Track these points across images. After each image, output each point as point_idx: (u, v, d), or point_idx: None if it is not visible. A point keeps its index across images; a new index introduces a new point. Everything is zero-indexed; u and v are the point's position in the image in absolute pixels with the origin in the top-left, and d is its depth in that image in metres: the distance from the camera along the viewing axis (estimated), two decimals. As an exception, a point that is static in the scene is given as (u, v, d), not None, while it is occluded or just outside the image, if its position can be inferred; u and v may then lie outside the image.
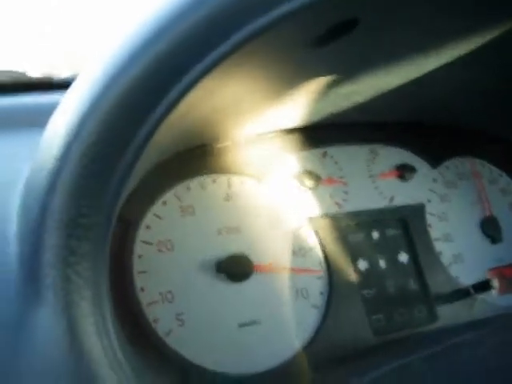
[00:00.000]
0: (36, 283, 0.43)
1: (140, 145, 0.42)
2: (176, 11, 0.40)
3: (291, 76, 0.62)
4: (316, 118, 0.80)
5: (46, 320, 0.42)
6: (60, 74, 0.91)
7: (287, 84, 0.64)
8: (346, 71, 0.66)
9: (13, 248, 0.46)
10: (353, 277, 0.75)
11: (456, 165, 0.91)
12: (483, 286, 0.77)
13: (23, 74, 0.91)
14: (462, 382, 0.56)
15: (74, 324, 0.42)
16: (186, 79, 0.40)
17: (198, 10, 0.39)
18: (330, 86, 0.69)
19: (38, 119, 0.63)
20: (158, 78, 0.40)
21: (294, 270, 0.72)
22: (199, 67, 0.40)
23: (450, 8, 0.55)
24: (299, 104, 0.72)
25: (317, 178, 0.78)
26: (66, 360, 0.41)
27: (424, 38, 0.61)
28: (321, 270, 0.74)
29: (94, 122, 0.41)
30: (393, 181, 0.85)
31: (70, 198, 0.41)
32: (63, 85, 0.86)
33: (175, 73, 0.40)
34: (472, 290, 0.78)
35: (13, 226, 0.48)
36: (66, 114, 0.44)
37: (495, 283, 0.76)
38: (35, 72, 0.91)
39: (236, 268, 0.68)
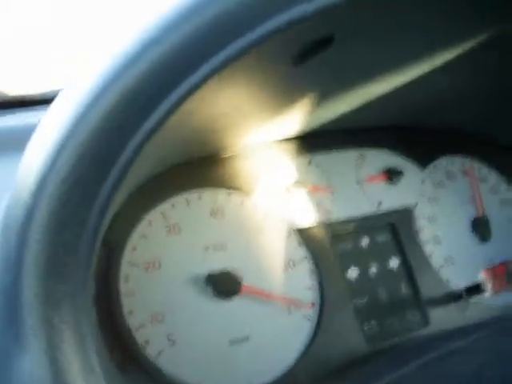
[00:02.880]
0: (17, 325, 0.42)
1: (125, 165, 0.41)
2: (165, 25, 0.39)
3: (276, 90, 0.62)
4: (302, 128, 0.79)
5: (29, 363, 0.41)
6: (35, 91, 0.90)
7: (272, 97, 0.64)
8: (328, 85, 0.65)
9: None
10: (344, 286, 0.75)
11: (444, 164, 0.91)
12: (475, 289, 0.77)
13: (2, 93, 0.89)
14: None
15: (58, 368, 0.41)
16: (174, 94, 0.39)
17: (188, 25, 0.38)
18: (315, 99, 0.68)
19: (16, 140, 0.62)
20: (141, 99, 0.39)
21: (284, 299, 0.72)
22: (183, 87, 0.39)
23: (435, 11, 0.55)
24: (285, 116, 0.72)
25: (302, 187, 0.78)
26: None
27: (402, 48, 0.60)
28: (309, 305, 0.73)
29: (70, 150, 0.39)
30: (380, 185, 0.84)
31: (46, 236, 0.40)
32: (38, 102, 0.85)
33: (158, 96, 0.39)
34: (464, 294, 0.77)
35: None
36: (42, 142, 0.42)
37: (487, 285, 0.76)
38: (11, 90, 0.90)
39: (224, 285, 0.67)
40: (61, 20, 1.02)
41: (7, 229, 0.44)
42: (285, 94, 0.64)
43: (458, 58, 0.67)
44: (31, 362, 0.41)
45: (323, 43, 0.50)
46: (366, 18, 0.50)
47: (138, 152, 0.41)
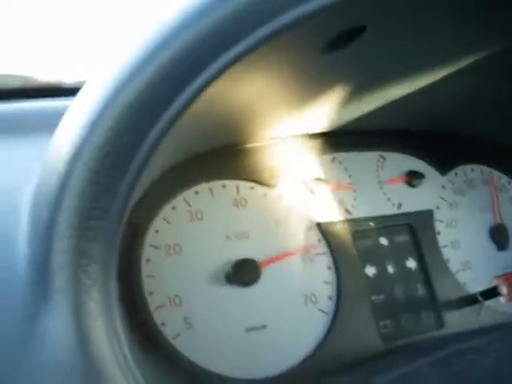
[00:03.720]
0: (45, 286, 0.43)
1: (151, 147, 0.42)
2: (200, 6, 0.40)
3: (303, 81, 0.63)
4: (327, 125, 0.80)
5: (55, 322, 0.42)
6: (69, 79, 0.92)
7: (299, 89, 0.65)
8: (355, 79, 0.66)
9: (22, 252, 0.46)
10: (361, 282, 0.75)
11: (465, 172, 0.91)
12: (491, 293, 0.77)
13: (32, 79, 0.91)
14: None
15: (84, 326, 0.42)
16: (202, 76, 0.40)
17: (221, 8, 0.39)
18: (341, 95, 0.69)
19: (47, 124, 0.63)
20: (170, 80, 0.40)
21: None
22: (217, 64, 0.40)
23: (460, 15, 0.56)
24: (311, 111, 0.73)
25: (326, 183, 0.79)
26: (75, 362, 0.41)
27: (431, 47, 0.61)
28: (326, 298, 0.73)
29: (104, 124, 0.41)
30: (401, 187, 0.85)
31: (80, 201, 0.41)
32: (72, 90, 0.87)
33: (190, 71, 0.40)
34: (480, 297, 0.78)
35: (22, 230, 0.48)
36: (76, 117, 0.44)
37: (503, 290, 0.76)
38: (44, 77, 0.91)
39: (244, 273, 0.68)
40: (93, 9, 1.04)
41: (40, 195, 0.46)
42: (311, 87, 0.65)
43: (484, 63, 0.67)
44: (57, 320, 0.42)
45: (353, 33, 0.51)
46: (398, 10, 0.51)
47: (170, 127, 0.42)
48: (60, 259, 0.42)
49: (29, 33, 1.04)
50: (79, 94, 0.48)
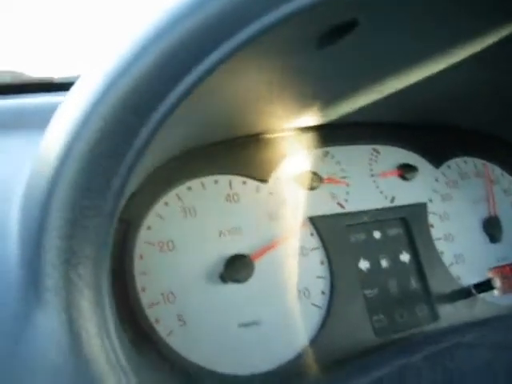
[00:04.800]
0: (37, 285, 0.43)
1: (143, 145, 0.42)
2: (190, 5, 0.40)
3: (298, 76, 0.62)
4: (319, 119, 0.80)
5: (47, 322, 0.42)
6: (60, 75, 0.91)
7: (293, 84, 0.64)
8: (349, 72, 0.66)
9: (13, 250, 0.46)
10: (355, 276, 0.75)
11: (458, 164, 0.92)
12: (485, 286, 0.77)
13: (23, 75, 0.91)
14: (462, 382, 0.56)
15: (75, 326, 0.42)
16: (197, 70, 0.40)
17: (212, 4, 0.39)
18: (335, 88, 0.69)
19: (38, 120, 0.63)
20: (167, 70, 0.40)
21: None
22: (211, 58, 0.40)
23: (450, 10, 0.55)
24: (304, 105, 0.72)
25: (318, 178, 0.79)
26: (67, 361, 0.41)
27: (425, 40, 0.61)
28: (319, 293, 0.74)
29: (96, 120, 0.41)
30: (394, 180, 0.85)
31: (71, 199, 0.41)
32: (64, 85, 0.86)
33: (187, 63, 0.40)
34: (474, 290, 0.78)
35: (13, 228, 0.48)
36: (68, 112, 0.44)
37: (497, 283, 0.76)
38: (35, 73, 0.91)
39: (237, 269, 0.68)
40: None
41: (31, 193, 0.45)
42: (306, 81, 0.65)
43: (479, 55, 0.67)
44: (49, 320, 0.42)
45: (346, 27, 0.51)
46: (391, 4, 0.51)
47: (161, 124, 0.42)
48: (51, 258, 0.42)
49: (20, 29, 1.03)
50: (70, 90, 0.48)
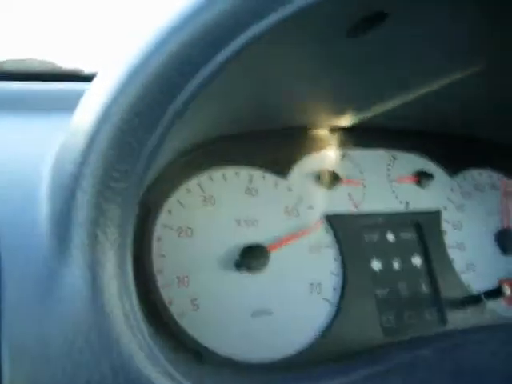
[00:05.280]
0: (64, 242, 0.44)
1: (177, 113, 0.43)
2: None
3: (328, 68, 0.64)
4: (342, 121, 0.82)
5: (72, 277, 0.44)
6: (87, 68, 0.94)
7: (322, 77, 0.66)
8: (376, 71, 0.67)
9: (43, 209, 0.48)
10: (366, 276, 0.76)
11: (473, 176, 0.93)
12: (494, 293, 0.78)
13: (55, 65, 0.93)
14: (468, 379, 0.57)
15: (98, 282, 0.43)
16: (233, 45, 0.42)
17: None
18: (361, 88, 0.71)
19: (67, 104, 0.65)
20: (202, 45, 0.42)
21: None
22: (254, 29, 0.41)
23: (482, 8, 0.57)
24: (331, 103, 0.74)
25: (336, 177, 0.80)
26: (88, 315, 0.43)
27: (450, 40, 0.62)
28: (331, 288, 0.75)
29: (132, 88, 0.42)
30: (410, 186, 0.86)
31: (104, 161, 0.43)
32: (92, 78, 0.89)
33: (224, 36, 0.41)
34: (483, 297, 0.78)
35: (44, 188, 0.50)
36: (106, 80, 0.46)
37: (507, 290, 0.77)
38: (66, 64, 0.93)
39: (252, 257, 0.69)
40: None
41: (65, 155, 0.47)
42: (335, 75, 0.66)
43: (505, 64, 0.69)
44: (74, 275, 0.43)
45: (375, 19, 0.52)
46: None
47: (197, 94, 0.43)
48: (80, 217, 0.43)
49: (54, 22, 1.06)
50: (109, 61, 0.49)
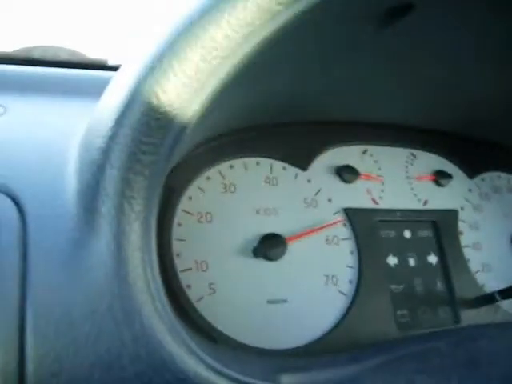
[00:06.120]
0: (91, 212, 0.45)
1: (206, 100, 0.45)
2: None
3: (353, 60, 0.64)
4: (362, 115, 0.82)
5: (98, 246, 0.45)
6: (111, 59, 0.95)
7: (347, 69, 0.66)
8: (402, 65, 0.68)
9: (72, 179, 0.49)
10: (382, 270, 0.77)
11: (492, 178, 0.93)
12: (509, 293, 0.78)
13: (81, 54, 0.95)
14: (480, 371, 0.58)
15: (122, 253, 0.44)
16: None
17: None
18: (385, 82, 0.71)
19: (93, 90, 0.67)
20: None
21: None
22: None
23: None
24: (354, 96, 0.75)
25: (355, 172, 0.81)
26: (112, 283, 0.44)
27: (477, 37, 0.63)
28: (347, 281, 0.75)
29: (165, 64, 0.44)
30: (428, 185, 0.87)
31: (133, 135, 0.44)
32: (116, 68, 0.90)
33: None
34: (498, 296, 0.79)
35: (73, 159, 0.51)
36: (135, 61, 0.47)
37: (521, 290, 0.77)
38: (90, 53, 0.95)
39: (271, 246, 0.70)
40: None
41: (94, 129, 0.48)
42: (360, 69, 0.67)
43: None
44: (100, 245, 0.44)
45: (402, 10, 0.53)
46: None
47: (233, 75, 0.45)
48: (107, 187, 0.44)
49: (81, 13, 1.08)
50: (133, 53, 0.51)
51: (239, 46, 0.43)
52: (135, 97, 0.45)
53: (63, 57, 0.93)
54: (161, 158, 0.45)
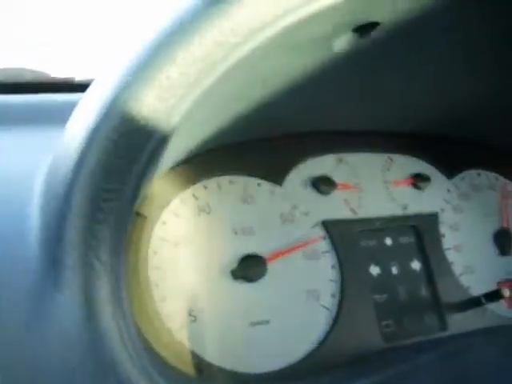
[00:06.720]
0: (56, 264, 0.44)
1: (165, 135, 0.43)
2: None
3: (320, 73, 0.63)
4: (337, 123, 0.81)
5: (65, 300, 0.43)
6: (78, 76, 0.93)
7: (315, 80, 0.65)
8: (370, 74, 0.66)
9: (34, 230, 0.47)
10: (365, 281, 0.76)
11: (471, 176, 0.92)
12: (494, 296, 0.78)
13: (45, 74, 0.93)
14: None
15: (92, 306, 0.43)
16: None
17: None
18: (354, 91, 0.70)
19: (59, 116, 0.65)
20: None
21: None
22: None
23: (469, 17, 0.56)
24: (324, 106, 0.73)
25: (332, 183, 0.79)
26: (82, 338, 0.42)
27: (451, 38, 0.61)
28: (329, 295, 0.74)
29: (120, 106, 0.42)
30: (407, 189, 0.86)
31: (93, 181, 0.42)
32: (84, 86, 0.88)
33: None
34: (483, 299, 0.78)
35: (35, 209, 0.49)
36: (92, 101, 0.45)
37: (506, 292, 0.76)
38: (58, 73, 0.93)
39: (250, 268, 0.69)
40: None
41: (54, 175, 0.47)
42: (330, 79, 0.65)
43: (499, 66, 0.68)
44: (66, 296, 0.43)
45: (368, 27, 0.52)
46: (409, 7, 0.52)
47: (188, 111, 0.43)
48: (71, 238, 0.43)
49: (43, 31, 1.05)
50: (95, 81, 0.49)
51: (198, 82, 0.42)
52: (92, 139, 0.43)
53: (28, 78, 0.91)
54: (125, 204, 0.44)
